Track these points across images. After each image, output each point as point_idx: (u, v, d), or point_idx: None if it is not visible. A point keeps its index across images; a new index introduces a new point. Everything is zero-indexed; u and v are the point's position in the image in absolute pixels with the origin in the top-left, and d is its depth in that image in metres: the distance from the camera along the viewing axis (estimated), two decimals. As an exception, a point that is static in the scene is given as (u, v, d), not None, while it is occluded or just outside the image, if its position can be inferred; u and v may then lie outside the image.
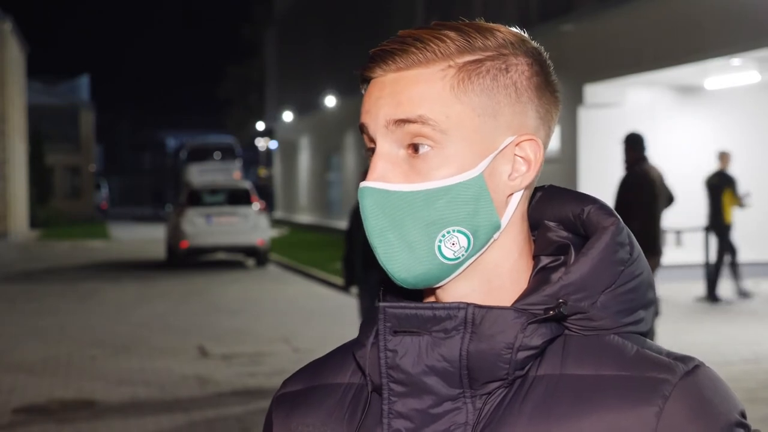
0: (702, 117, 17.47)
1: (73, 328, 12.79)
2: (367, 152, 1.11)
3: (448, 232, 1.06)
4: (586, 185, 15.63)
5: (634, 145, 8.79)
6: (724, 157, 13.76)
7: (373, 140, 1.09)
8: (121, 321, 13.37)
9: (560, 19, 16.82)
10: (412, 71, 1.07)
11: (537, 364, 1.07)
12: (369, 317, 1.14)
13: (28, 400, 8.56)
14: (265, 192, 43.92)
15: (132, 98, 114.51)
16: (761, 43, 12.45)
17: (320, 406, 1.17)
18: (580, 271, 1.07)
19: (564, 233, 1.13)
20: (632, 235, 1.11)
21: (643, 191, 8.51)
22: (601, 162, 15.88)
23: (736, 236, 14.02)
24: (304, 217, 38.34)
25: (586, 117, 16.63)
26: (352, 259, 8.32)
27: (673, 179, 17.01)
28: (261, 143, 54.68)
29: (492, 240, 1.09)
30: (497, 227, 1.08)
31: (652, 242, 8.27)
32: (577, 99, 16.68)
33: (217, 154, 38.19)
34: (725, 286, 14.38)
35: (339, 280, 16.81)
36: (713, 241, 13.68)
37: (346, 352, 1.20)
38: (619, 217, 1.11)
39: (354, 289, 9.37)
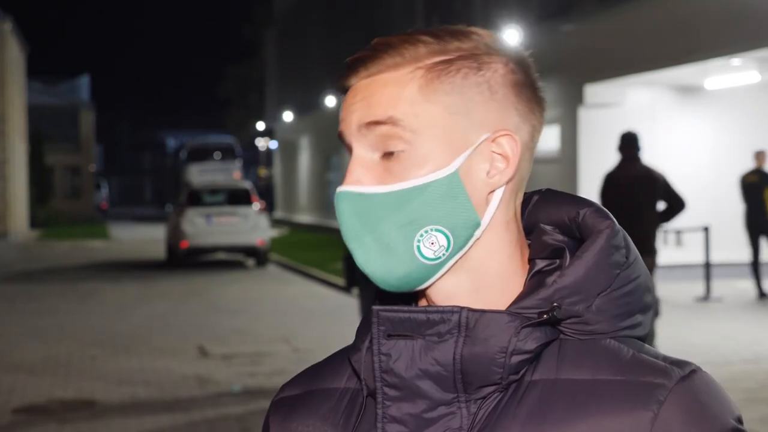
0: (702, 117, 17.47)
1: (73, 328, 12.79)
2: None
3: (426, 232, 1.06)
4: (586, 185, 15.61)
5: (621, 144, 8.85)
6: (760, 155, 13.71)
7: (350, 148, 1.10)
8: (121, 321, 13.37)
9: (560, 19, 16.82)
10: (382, 75, 1.08)
11: (532, 368, 1.07)
12: (365, 321, 1.14)
13: (28, 400, 8.56)
14: (266, 192, 43.95)
15: (132, 98, 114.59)
16: (761, 43, 12.45)
17: (317, 410, 1.17)
18: (574, 274, 1.06)
19: (560, 236, 1.13)
20: (629, 238, 1.11)
21: (605, 191, 8.67)
22: (601, 162, 15.85)
23: (735, 236, 14.02)
24: (304, 217, 38.34)
25: (586, 117, 16.63)
26: (353, 260, 8.31)
27: (673, 179, 17.00)
28: (261, 143, 54.67)
29: (474, 238, 1.08)
30: (477, 225, 1.07)
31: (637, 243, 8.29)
32: (577, 99, 16.68)
33: (217, 154, 38.22)
34: (725, 286, 14.38)
35: (339, 280, 16.81)
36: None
37: (342, 356, 1.19)
38: (614, 220, 1.10)
39: (355, 290, 9.37)
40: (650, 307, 1.12)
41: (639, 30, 14.97)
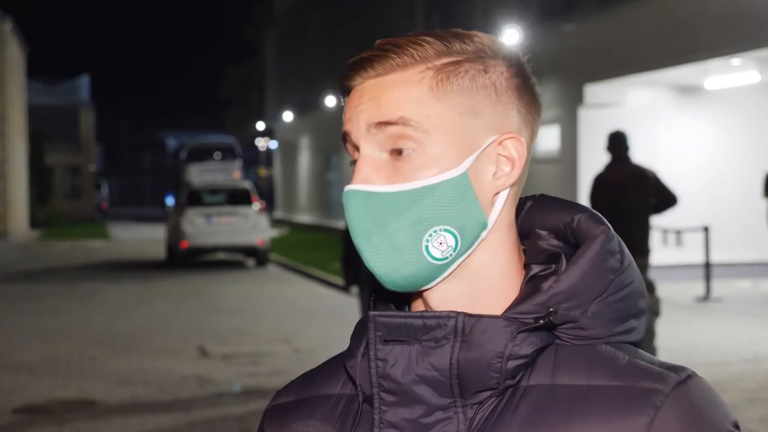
0: (702, 117, 17.47)
1: (73, 328, 12.79)
2: (351, 164, 1.11)
3: (435, 232, 1.07)
4: (586, 185, 15.60)
5: (609, 143, 8.84)
6: None
7: (356, 148, 1.10)
8: (121, 321, 13.38)
9: (560, 19, 16.82)
10: (391, 76, 1.08)
11: (528, 373, 1.07)
12: (359, 326, 1.14)
13: (28, 400, 8.56)
14: (266, 191, 43.93)
15: (132, 98, 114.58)
16: (761, 43, 12.45)
17: (313, 416, 1.17)
18: (570, 279, 1.07)
19: (555, 242, 1.13)
20: (623, 243, 1.11)
21: (595, 193, 8.68)
22: (600, 162, 15.83)
23: (735, 236, 14.01)
24: (304, 217, 38.35)
25: (586, 117, 16.63)
26: (352, 259, 8.31)
27: (673, 179, 17.01)
28: (261, 143, 54.67)
29: (480, 239, 1.09)
30: (484, 226, 1.08)
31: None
32: (577, 99, 16.68)
33: (217, 154, 38.20)
34: (725, 286, 14.38)
35: (339, 280, 16.81)
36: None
37: (337, 362, 1.19)
38: (609, 225, 1.11)
39: (354, 289, 9.38)
40: (644, 312, 1.12)
41: (639, 30, 14.97)
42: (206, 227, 21.28)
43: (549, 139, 17.68)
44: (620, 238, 1.12)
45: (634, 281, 1.10)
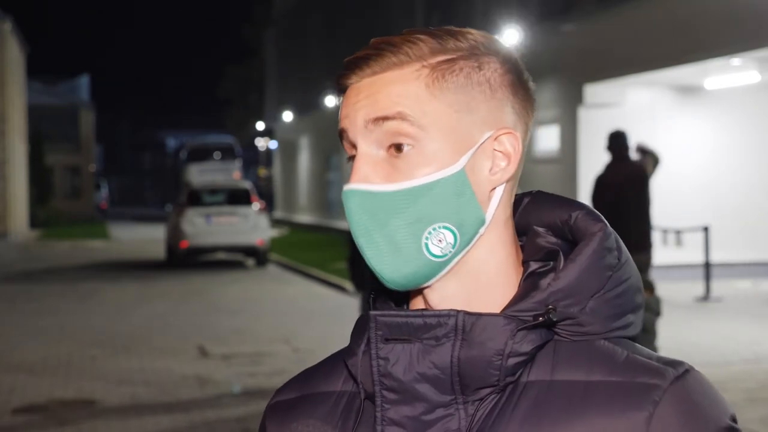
0: (702, 117, 17.48)
1: (73, 328, 12.80)
2: (348, 161, 1.12)
3: (435, 229, 1.07)
4: (586, 185, 15.62)
5: (609, 143, 8.87)
6: None
7: (353, 146, 1.10)
8: (121, 321, 13.38)
9: (560, 19, 16.82)
10: (387, 73, 1.09)
11: (528, 369, 1.08)
12: (359, 325, 1.15)
13: (28, 400, 8.56)
14: (265, 191, 43.93)
15: (132, 98, 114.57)
16: (761, 43, 12.46)
17: (314, 413, 1.17)
18: (568, 277, 1.08)
19: (553, 239, 1.14)
20: (620, 240, 1.12)
21: (597, 194, 8.72)
22: (600, 162, 15.84)
23: (733, 236, 14.01)
24: (304, 217, 38.35)
25: (586, 117, 16.63)
26: (358, 261, 8.30)
27: (673, 179, 17.00)
28: (261, 143, 54.70)
29: (478, 235, 1.09)
30: (482, 222, 1.09)
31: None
32: (577, 99, 16.68)
33: (217, 154, 38.21)
34: (725, 286, 14.38)
35: (339, 280, 16.82)
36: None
37: (337, 360, 1.20)
38: (606, 222, 1.12)
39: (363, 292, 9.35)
40: (641, 307, 1.13)
41: (639, 30, 14.97)
42: (206, 227, 21.28)
43: (549, 139, 17.69)
44: (617, 235, 1.12)
45: (631, 277, 1.11)
